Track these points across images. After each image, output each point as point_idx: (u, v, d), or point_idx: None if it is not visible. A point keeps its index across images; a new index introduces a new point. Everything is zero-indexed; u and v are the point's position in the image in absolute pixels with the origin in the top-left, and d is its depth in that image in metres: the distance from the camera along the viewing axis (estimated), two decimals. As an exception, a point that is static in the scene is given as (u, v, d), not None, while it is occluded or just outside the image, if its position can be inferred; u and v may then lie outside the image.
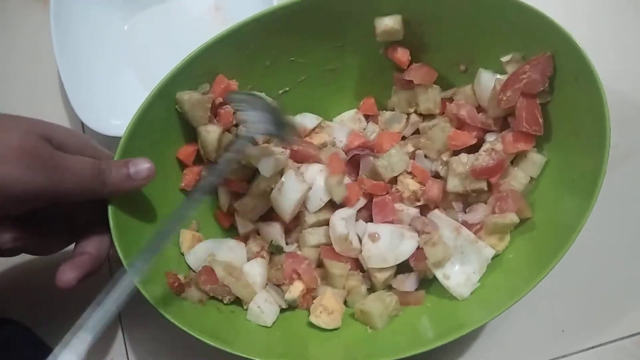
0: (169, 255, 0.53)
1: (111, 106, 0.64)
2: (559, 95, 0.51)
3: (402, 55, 0.56)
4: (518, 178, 0.53)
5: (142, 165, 0.46)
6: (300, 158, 0.57)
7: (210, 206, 0.60)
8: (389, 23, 0.54)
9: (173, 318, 0.46)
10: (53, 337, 0.58)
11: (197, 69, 0.53)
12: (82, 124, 0.65)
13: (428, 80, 0.57)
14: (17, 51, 0.73)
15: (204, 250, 0.54)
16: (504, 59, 0.52)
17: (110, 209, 0.47)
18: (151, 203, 0.52)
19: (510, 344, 0.58)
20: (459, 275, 0.50)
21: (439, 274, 0.51)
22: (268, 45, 0.55)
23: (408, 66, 0.57)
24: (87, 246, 0.48)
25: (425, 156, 0.58)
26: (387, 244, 0.52)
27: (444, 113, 0.58)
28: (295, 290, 0.52)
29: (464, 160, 0.52)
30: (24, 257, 0.60)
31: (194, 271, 0.54)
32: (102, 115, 0.63)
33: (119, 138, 0.55)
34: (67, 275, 0.46)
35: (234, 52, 0.54)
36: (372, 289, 0.55)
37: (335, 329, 0.51)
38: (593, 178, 0.47)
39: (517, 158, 0.54)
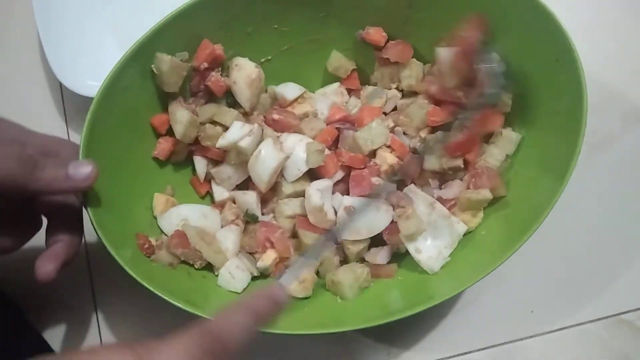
0: (141, 217, 0.53)
1: (89, 66, 0.63)
2: (538, 75, 0.51)
3: (375, 34, 0.56)
4: (494, 155, 0.53)
5: (84, 168, 0.44)
6: (280, 127, 0.57)
7: (187, 173, 0.59)
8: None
9: (142, 279, 0.45)
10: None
11: (176, 31, 0.52)
12: (60, 84, 0.64)
13: (404, 58, 0.57)
14: (-7, 10, 0.71)
15: (178, 215, 0.54)
16: None
17: None
18: (125, 169, 0.52)
19: (480, 324, 0.58)
20: (430, 250, 0.51)
21: (411, 247, 0.51)
22: (251, 11, 0.54)
23: (385, 43, 0.57)
24: (59, 232, 0.47)
25: (404, 133, 0.58)
26: (362, 216, 0.52)
27: None
28: (268, 258, 0.52)
29: (440, 138, 0.53)
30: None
31: (166, 235, 0.53)
32: (80, 75, 0.62)
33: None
34: (46, 267, 0.44)
35: (215, 15, 0.53)
36: (344, 261, 0.55)
37: (306, 298, 0.52)
38: (566, 159, 0.47)
39: (493, 136, 0.54)
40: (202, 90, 0.57)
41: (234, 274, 0.51)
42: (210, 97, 0.57)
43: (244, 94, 0.56)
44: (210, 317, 0.44)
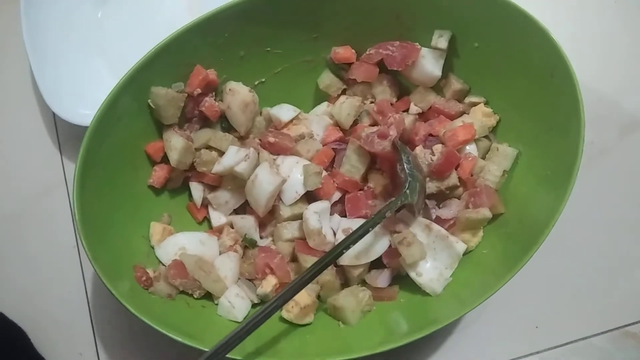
0: (138, 247, 0.52)
1: (81, 95, 0.62)
2: (534, 91, 0.51)
3: (344, 52, 0.57)
4: (491, 171, 0.53)
5: None
6: (276, 150, 0.56)
7: (183, 199, 0.58)
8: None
9: (140, 313, 0.45)
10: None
11: (168, 58, 0.51)
12: (53, 113, 0.63)
13: (371, 77, 0.57)
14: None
15: (175, 244, 0.53)
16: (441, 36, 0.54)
17: (75, 201, 0.46)
18: (120, 199, 0.51)
19: (484, 340, 0.58)
20: (431, 272, 0.50)
21: (411, 272, 0.50)
22: (243, 35, 0.54)
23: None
24: None
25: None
26: (360, 242, 0.51)
27: None
28: (268, 285, 0.52)
29: (421, 155, 0.53)
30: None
31: (163, 265, 0.53)
32: (72, 104, 0.61)
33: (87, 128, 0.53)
34: None
35: (208, 41, 0.53)
36: (346, 284, 0.54)
37: (307, 324, 0.51)
38: (566, 175, 0.47)
39: (489, 152, 0.54)
40: (196, 115, 0.56)
41: (233, 303, 0.51)
42: (205, 122, 0.57)
43: (238, 119, 0.56)
44: (208, 349, 0.43)
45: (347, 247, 0.46)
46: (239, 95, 0.55)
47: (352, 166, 0.54)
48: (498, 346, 0.58)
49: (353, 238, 0.46)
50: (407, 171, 0.50)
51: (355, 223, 0.52)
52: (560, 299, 0.59)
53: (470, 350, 0.58)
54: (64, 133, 0.65)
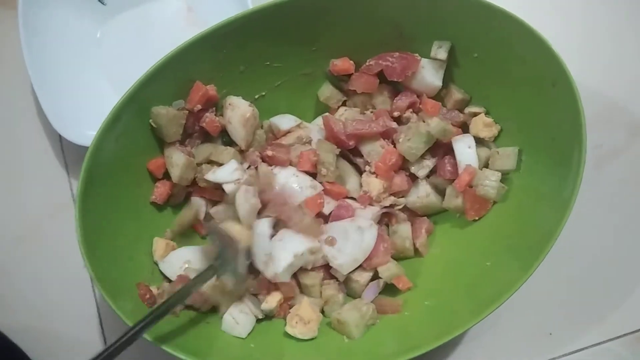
0: (141, 264, 0.52)
1: (85, 116, 0.62)
2: (535, 100, 0.50)
3: (342, 64, 0.57)
4: (488, 176, 0.52)
5: None
6: (274, 162, 0.56)
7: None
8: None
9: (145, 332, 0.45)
10: (28, 343, 0.57)
11: (169, 74, 0.51)
12: (59, 135, 0.63)
13: (370, 89, 0.57)
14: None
15: (179, 258, 0.53)
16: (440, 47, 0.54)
17: (77, 221, 0.46)
18: (123, 216, 0.52)
19: (496, 348, 0.57)
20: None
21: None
22: (242, 49, 0.54)
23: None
24: None
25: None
26: (348, 242, 0.51)
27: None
28: (273, 300, 0.52)
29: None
30: (3, 273, 0.61)
31: (168, 280, 0.53)
32: (77, 125, 0.61)
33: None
34: None
35: (207, 57, 0.53)
36: (352, 295, 0.54)
37: (312, 339, 0.51)
38: (570, 184, 0.46)
39: (490, 159, 0.54)
40: (197, 131, 0.56)
41: (237, 319, 0.51)
42: (206, 137, 0.57)
43: (239, 133, 0.56)
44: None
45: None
46: (238, 109, 0.55)
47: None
48: (511, 355, 0.57)
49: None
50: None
51: (333, 227, 0.52)
52: (573, 305, 0.58)
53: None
54: (71, 154, 0.65)
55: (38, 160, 0.66)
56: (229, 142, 0.58)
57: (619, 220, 0.61)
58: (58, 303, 0.60)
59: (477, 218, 0.53)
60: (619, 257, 0.59)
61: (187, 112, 0.54)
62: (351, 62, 0.57)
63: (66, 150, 0.66)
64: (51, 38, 0.64)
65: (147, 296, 0.49)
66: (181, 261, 0.53)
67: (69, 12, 0.65)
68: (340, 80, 0.59)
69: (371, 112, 0.58)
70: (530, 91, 0.50)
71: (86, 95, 0.64)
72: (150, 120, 0.52)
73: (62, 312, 0.60)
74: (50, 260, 0.62)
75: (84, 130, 0.61)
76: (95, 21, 0.67)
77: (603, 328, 0.57)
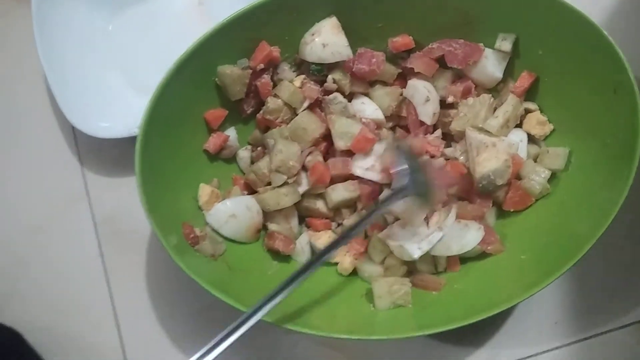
0: (187, 207, 0.55)
1: (99, 108, 0.64)
2: (594, 104, 0.51)
3: (403, 39, 0.57)
4: (538, 172, 0.53)
5: None
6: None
7: (234, 169, 0.61)
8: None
9: (186, 268, 0.48)
10: (45, 345, 0.59)
11: (234, 33, 0.53)
12: (72, 127, 0.65)
13: (429, 71, 0.57)
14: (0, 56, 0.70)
15: (224, 211, 0.55)
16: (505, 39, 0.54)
17: (138, 153, 0.48)
18: (176, 159, 0.54)
19: (502, 338, 0.58)
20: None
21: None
22: (313, 16, 0.55)
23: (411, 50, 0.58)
24: None
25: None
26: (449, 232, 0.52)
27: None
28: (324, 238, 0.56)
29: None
30: (20, 263, 0.63)
31: (211, 227, 0.55)
32: (90, 117, 0.63)
33: (108, 140, 0.56)
34: None
35: (278, 18, 0.54)
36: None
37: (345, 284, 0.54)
38: (616, 193, 0.47)
39: (539, 157, 0.55)
40: (252, 91, 0.58)
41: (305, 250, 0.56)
42: (256, 95, 0.58)
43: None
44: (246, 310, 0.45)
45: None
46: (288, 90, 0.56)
47: None
48: (516, 344, 0.58)
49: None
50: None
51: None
52: (578, 295, 0.58)
53: (487, 348, 0.58)
54: (84, 145, 0.66)
55: (52, 152, 0.67)
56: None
57: (627, 211, 0.59)
58: (71, 291, 0.62)
59: (512, 210, 0.54)
60: (625, 248, 0.59)
61: (251, 71, 0.56)
62: (410, 37, 0.57)
63: (79, 141, 0.67)
64: (64, 32, 0.65)
65: (192, 235, 0.52)
66: (226, 214, 0.55)
67: (80, 5, 0.66)
68: (398, 58, 0.59)
69: None
70: (589, 95, 0.51)
71: (98, 88, 0.65)
72: (216, 79, 0.54)
73: (76, 300, 0.62)
74: (64, 251, 0.63)
75: (97, 122, 0.62)
76: (107, 14, 0.68)
77: (609, 317, 0.58)
